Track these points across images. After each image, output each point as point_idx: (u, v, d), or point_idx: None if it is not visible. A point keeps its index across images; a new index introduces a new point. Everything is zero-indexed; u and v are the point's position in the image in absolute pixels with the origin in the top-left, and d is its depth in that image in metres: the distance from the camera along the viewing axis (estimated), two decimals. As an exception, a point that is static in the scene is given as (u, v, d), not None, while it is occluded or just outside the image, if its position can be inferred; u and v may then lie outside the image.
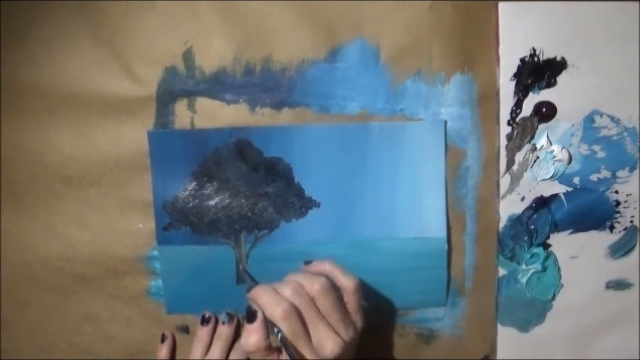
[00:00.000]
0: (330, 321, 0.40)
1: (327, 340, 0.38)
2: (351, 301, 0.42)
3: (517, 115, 0.47)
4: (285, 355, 0.38)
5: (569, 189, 0.49)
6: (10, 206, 0.48)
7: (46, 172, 0.47)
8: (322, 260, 0.44)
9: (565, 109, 0.47)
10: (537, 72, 0.47)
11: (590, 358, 0.51)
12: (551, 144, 0.48)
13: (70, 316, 0.49)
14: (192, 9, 0.45)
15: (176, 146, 0.47)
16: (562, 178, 0.48)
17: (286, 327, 0.37)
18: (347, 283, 0.42)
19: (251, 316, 0.39)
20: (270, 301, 0.38)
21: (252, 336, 0.38)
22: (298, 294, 0.39)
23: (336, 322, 0.40)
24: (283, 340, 0.37)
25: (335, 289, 0.41)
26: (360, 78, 0.46)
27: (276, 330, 0.38)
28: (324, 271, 0.43)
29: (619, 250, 0.50)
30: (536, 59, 0.46)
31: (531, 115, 0.47)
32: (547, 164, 0.48)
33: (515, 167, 0.48)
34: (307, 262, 0.45)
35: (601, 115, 0.48)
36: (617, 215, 0.49)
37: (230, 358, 0.47)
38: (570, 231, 0.49)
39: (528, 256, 0.50)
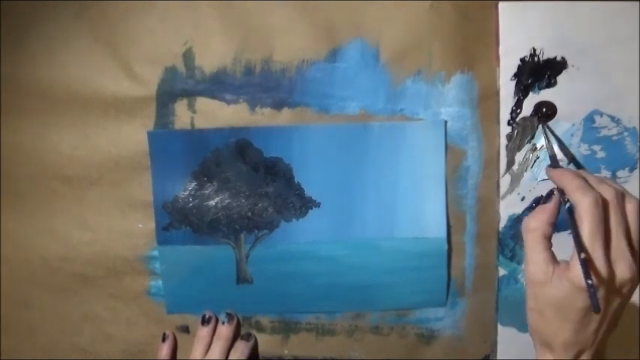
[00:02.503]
0: (634, 245, 0.35)
1: (623, 259, 0.34)
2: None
3: (517, 115, 0.47)
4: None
5: (569, 189, 0.49)
6: (10, 206, 0.48)
7: (46, 172, 0.47)
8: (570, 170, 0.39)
9: (565, 109, 0.47)
10: (537, 72, 0.47)
11: (590, 358, 0.51)
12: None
13: (70, 316, 0.49)
14: (192, 9, 0.45)
15: (176, 146, 0.47)
16: (562, 178, 0.48)
17: (589, 218, 0.33)
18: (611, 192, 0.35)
19: (548, 197, 0.36)
20: (582, 186, 0.34)
21: (541, 214, 0.36)
22: (617, 200, 0.34)
23: (635, 252, 0.35)
24: (572, 216, 0.34)
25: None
26: (360, 78, 0.46)
27: (567, 204, 0.34)
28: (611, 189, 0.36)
29: (619, 250, 0.50)
30: (536, 59, 0.46)
31: (531, 115, 0.47)
32: (547, 164, 0.48)
33: (515, 167, 0.48)
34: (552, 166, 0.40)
35: (601, 115, 0.47)
36: (617, 215, 0.49)
37: (230, 358, 0.47)
38: (570, 231, 0.49)
39: (528, 256, 0.49)
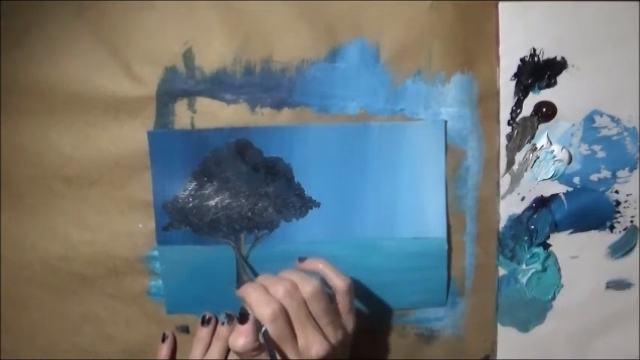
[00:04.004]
0: (319, 323, 0.39)
1: (314, 342, 0.38)
2: (342, 301, 0.42)
3: (517, 115, 0.47)
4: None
5: (569, 189, 0.49)
6: (10, 206, 0.48)
7: (45, 172, 0.47)
8: (316, 259, 0.43)
9: (565, 109, 0.47)
10: (537, 72, 0.47)
11: (590, 358, 0.51)
12: (551, 144, 0.48)
13: (70, 316, 0.49)
14: (192, 9, 0.45)
15: (176, 146, 0.47)
16: (562, 178, 0.48)
17: (273, 329, 0.37)
18: (339, 283, 0.41)
19: (243, 318, 0.39)
20: (260, 300, 0.38)
21: (241, 337, 0.38)
22: (290, 295, 0.38)
23: (326, 324, 0.39)
24: (266, 340, 0.37)
25: (327, 287, 0.41)
26: (360, 78, 0.46)
27: (263, 330, 0.37)
28: (317, 270, 0.42)
29: (619, 250, 0.50)
30: (536, 59, 0.46)
31: (531, 115, 0.47)
32: (547, 164, 0.48)
33: (515, 167, 0.48)
34: (301, 259, 0.44)
35: (601, 115, 0.48)
36: (617, 215, 0.49)
37: (229, 358, 0.47)
38: (570, 231, 0.49)
39: (528, 256, 0.50)
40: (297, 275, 0.40)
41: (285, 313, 0.38)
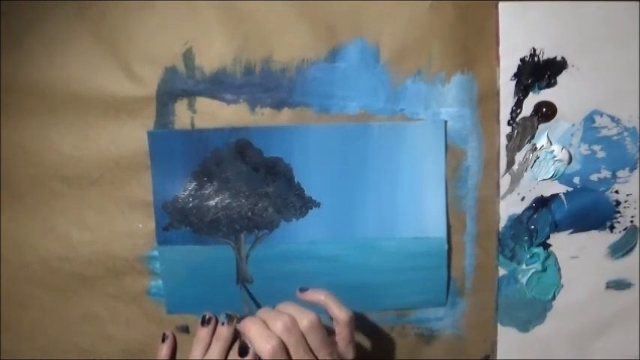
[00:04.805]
0: (317, 356, 0.40)
1: None
2: (342, 332, 0.42)
3: (517, 115, 0.47)
4: None
5: (569, 189, 0.49)
6: (10, 206, 0.48)
7: (45, 172, 0.47)
8: (318, 290, 0.44)
9: (565, 109, 0.47)
10: (537, 72, 0.47)
11: (590, 358, 0.51)
12: (551, 144, 0.48)
13: (70, 316, 0.49)
14: (192, 9, 0.45)
15: (176, 146, 0.47)
16: (562, 178, 0.48)
17: None
18: (340, 315, 0.42)
19: (243, 351, 0.40)
20: (260, 336, 0.39)
21: None
22: (288, 330, 0.39)
23: (324, 357, 0.40)
24: None
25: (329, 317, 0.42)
26: (360, 78, 0.46)
27: None
28: (319, 301, 0.43)
29: (619, 250, 0.50)
30: (536, 59, 0.46)
31: (531, 115, 0.47)
32: (547, 164, 0.48)
33: (515, 167, 0.48)
34: (302, 290, 0.45)
35: (601, 115, 0.48)
36: (617, 215, 0.49)
37: (229, 358, 0.47)
38: (570, 231, 0.49)
39: (528, 256, 0.50)
40: (295, 308, 0.41)
41: (284, 348, 0.39)
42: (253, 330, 0.39)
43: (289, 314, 0.40)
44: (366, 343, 0.51)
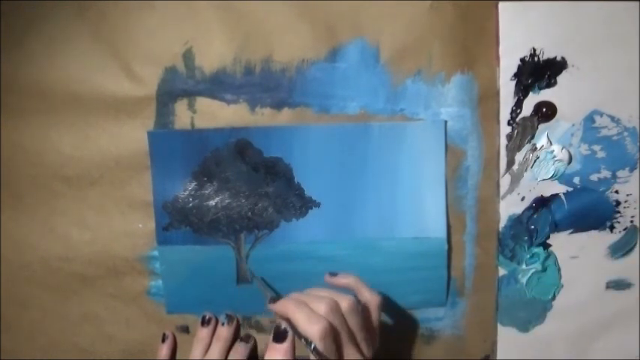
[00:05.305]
0: (356, 338, 0.39)
1: (353, 357, 0.38)
2: (372, 316, 0.42)
3: (517, 115, 0.47)
4: None
5: (569, 189, 0.49)
6: (10, 206, 0.48)
7: (45, 172, 0.47)
8: (347, 274, 0.44)
9: (565, 109, 0.47)
10: (537, 72, 0.47)
11: (590, 358, 0.51)
12: (551, 144, 0.48)
13: (70, 316, 0.49)
14: (192, 9, 0.45)
15: (176, 146, 0.47)
16: (562, 178, 0.48)
17: (323, 346, 0.37)
18: (371, 298, 0.42)
19: (281, 336, 0.38)
20: (307, 318, 0.37)
21: (280, 356, 0.37)
22: (334, 312, 0.38)
23: (361, 340, 0.40)
24: (319, 356, 0.37)
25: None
26: (360, 78, 0.46)
27: (311, 346, 0.37)
28: (348, 285, 0.43)
29: (619, 250, 0.50)
30: (536, 59, 0.46)
31: (531, 115, 0.47)
32: (547, 164, 0.48)
33: (515, 167, 0.48)
34: (332, 274, 0.45)
35: (601, 115, 0.48)
36: (617, 215, 0.49)
37: (229, 358, 0.47)
38: (570, 231, 0.49)
39: (528, 256, 0.50)
40: (331, 292, 0.41)
41: (333, 329, 0.38)
42: (299, 312, 0.38)
43: (330, 297, 0.39)
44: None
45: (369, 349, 0.40)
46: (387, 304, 0.50)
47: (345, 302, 0.39)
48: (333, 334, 0.37)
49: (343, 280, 0.44)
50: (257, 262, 0.48)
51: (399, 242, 0.48)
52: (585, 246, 0.50)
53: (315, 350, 0.37)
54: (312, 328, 0.37)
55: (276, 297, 0.41)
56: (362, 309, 0.41)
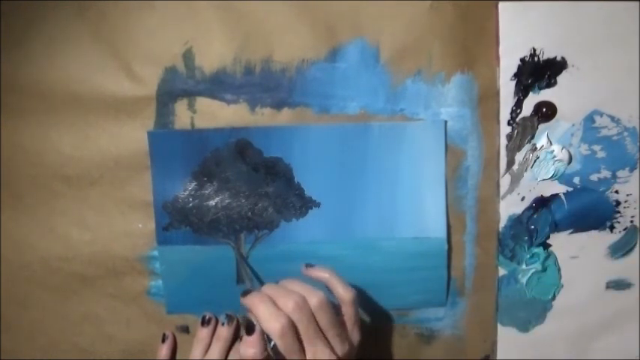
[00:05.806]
0: (327, 336, 0.39)
1: (322, 355, 0.38)
2: (347, 313, 0.41)
3: (517, 115, 0.47)
4: None
5: (569, 189, 0.49)
6: (10, 206, 0.48)
7: (45, 172, 0.47)
8: (323, 267, 0.43)
9: (565, 109, 0.47)
10: (537, 72, 0.47)
11: (590, 358, 0.51)
12: (551, 144, 0.48)
13: (70, 316, 0.49)
14: (192, 9, 0.45)
15: (176, 146, 0.47)
16: (562, 178, 0.48)
17: (282, 344, 0.37)
18: (345, 294, 0.41)
19: (250, 329, 0.38)
20: (269, 315, 0.38)
21: (250, 348, 0.38)
22: (299, 308, 0.38)
23: (333, 337, 0.39)
24: (276, 354, 0.37)
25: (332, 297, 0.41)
26: (360, 78, 0.46)
27: (271, 344, 0.37)
28: (323, 279, 0.42)
29: (619, 250, 0.50)
30: (536, 59, 0.46)
31: (531, 115, 0.47)
32: (547, 164, 0.48)
33: (515, 167, 0.48)
34: (308, 266, 0.44)
35: (601, 115, 0.48)
36: (617, 215, 0.49)
37: (229, 358, 0.47)
38: (570, 231, 0.49)
39: (528, 256, 0.50)
40: (303, 286, 0.40)
41: (293, 327, 0.38)
42: (262, 308, 0.38)
43: (299, 293, 0.39)
44: (366, 343, 0.51)
45: (343, 346, 0.40)
46: (387, 304, 0.50)
47: (314, 298, 0.39)
48: (294, 332, 0.37)
49: (318, 273, 0.43)
50: (257, 262, 0.48)
51: (399, 242, 0.48)
52: (585, 246, 0.50)
53: (274, 348, 0.37)
54: (272, 325, 0.37)
55: (247, 290, 0.41)
56: (334, 305, 0.40)
